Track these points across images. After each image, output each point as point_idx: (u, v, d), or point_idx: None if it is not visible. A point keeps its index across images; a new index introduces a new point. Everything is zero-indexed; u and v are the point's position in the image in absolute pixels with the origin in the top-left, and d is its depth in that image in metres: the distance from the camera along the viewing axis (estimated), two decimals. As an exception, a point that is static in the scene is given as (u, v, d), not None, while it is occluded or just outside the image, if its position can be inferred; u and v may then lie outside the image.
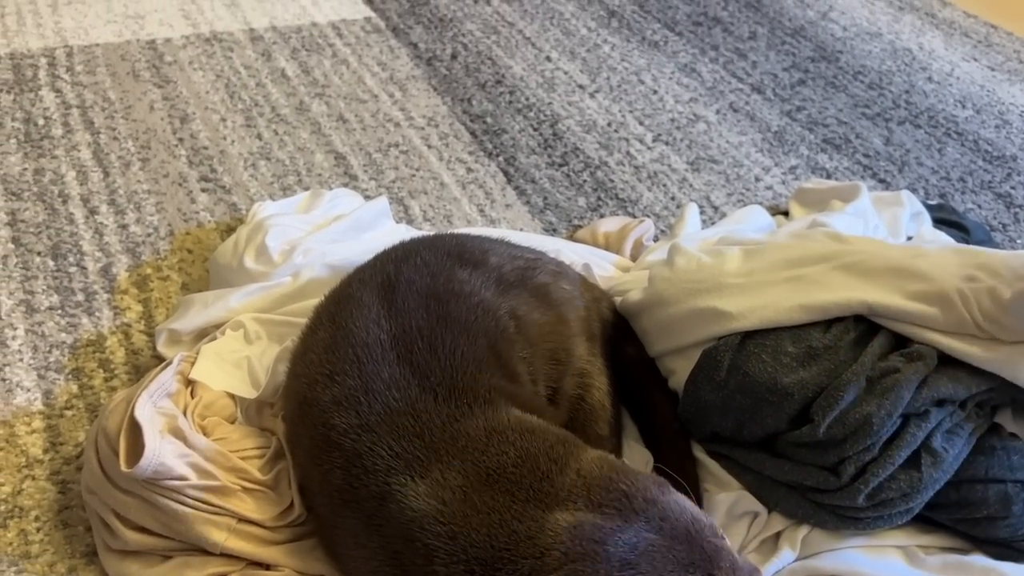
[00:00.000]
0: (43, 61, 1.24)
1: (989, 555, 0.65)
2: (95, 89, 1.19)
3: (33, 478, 0.72)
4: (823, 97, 1.40)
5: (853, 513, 0.63)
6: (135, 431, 0.64)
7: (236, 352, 0.75)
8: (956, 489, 0.63)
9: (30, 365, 0.81)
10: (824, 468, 0.64)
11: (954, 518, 0.65)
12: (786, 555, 0.65)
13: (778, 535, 0.67)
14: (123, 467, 0.62)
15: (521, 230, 1.04)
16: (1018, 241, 1.14)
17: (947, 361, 0.65)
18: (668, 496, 0.54)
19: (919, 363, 0.65)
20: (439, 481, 0.56)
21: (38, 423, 0.76)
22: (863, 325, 0.68)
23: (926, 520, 0.66)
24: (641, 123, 1.28)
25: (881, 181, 1.23)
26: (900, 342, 0.68)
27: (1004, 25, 1.66)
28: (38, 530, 0.69)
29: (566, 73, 1.38)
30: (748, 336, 0.68)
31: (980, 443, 0.64)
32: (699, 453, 0.73)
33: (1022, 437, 0.67)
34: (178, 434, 0.65)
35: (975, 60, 1.56)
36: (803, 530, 0.66)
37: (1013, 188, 1.24)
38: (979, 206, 1.20)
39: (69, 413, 0.77)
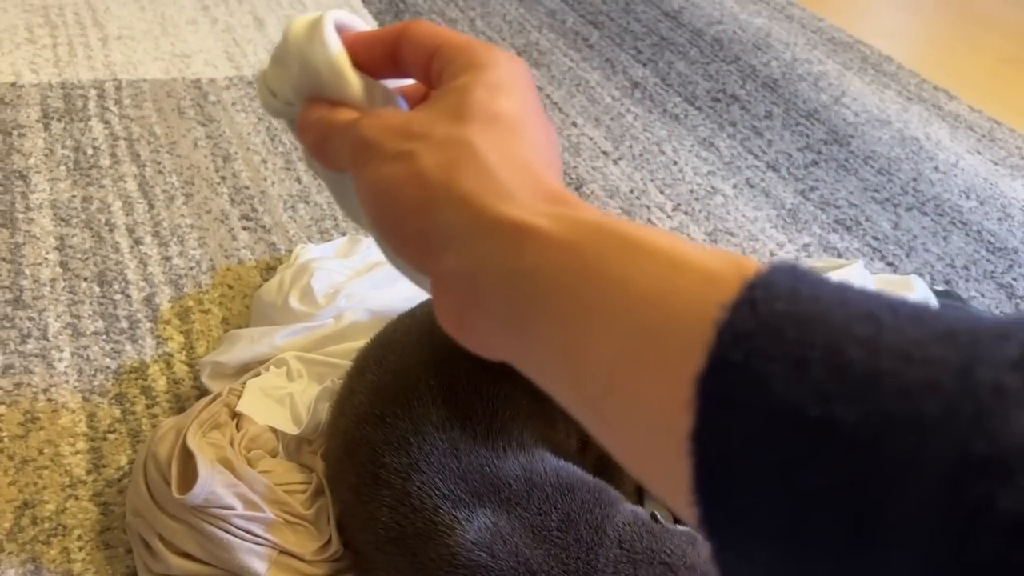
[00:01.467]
0: (93, 92, 1.29)
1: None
2: (142, 123, 1.24)
3: (76, 498, 0.75)
4: (835, 179, 1.46)
5: None
6: (187, 459, 0.67)
7: (279, 388, 0.78)
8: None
9: (75, 388, 0.84)
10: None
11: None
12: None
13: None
14: (175, 493, 0.65)
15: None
16: (1018, 331, 1.19)
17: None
18: (701, 554, 0.58)
19: None
20: (488, 528, 0.59)
21: (82, 444, 0.79)
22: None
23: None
24: (662, 192, 1.34)
25: (889, 264, 1.28)
26: None
27: (1007, 121, 1.74)
28: (80, 549, 0.71)
29: (591, 139, 1.44)
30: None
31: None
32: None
33: None
34: (227, 464, 0.68)
35: (979, 153, 1.63)
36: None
37: (1015, 279, 1.29)
38: (982, 295, 1.25)
39: (112, 436, 0.80)
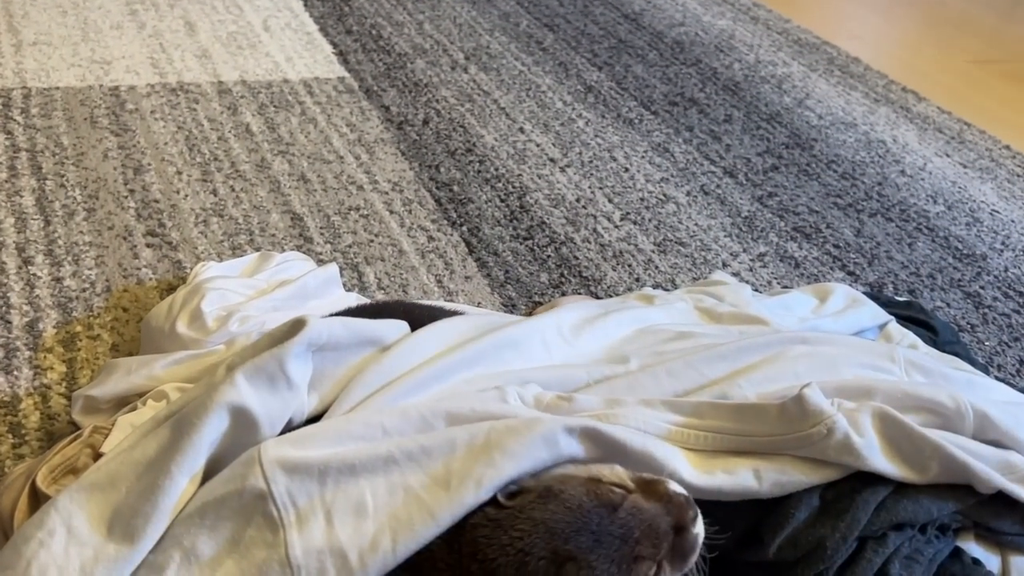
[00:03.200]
0: (-2, 101, 1.21)
1: None
2: (48, 133, 1.15)
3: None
4: (795, 184, 1.39)
5: (805, 642, 0.59)
6: (35, 511, 0.58)
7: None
8: (915, 619, 0.59)
9: (-66, 426, 0.75)
10: (776, 591, 0.60)
11: (913, 650, 0.60)
12: None
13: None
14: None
15: (479, 304, 1.00)
16: (986, 343, 1.12)
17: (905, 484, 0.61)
18: None
19: (877, 484, 0.61)
20: None
21: (-68, 491, 0.70)
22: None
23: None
24: (610, 200, 1.26)
25: (850, 273, 1.21)
26: None
27: (977, 123, 1.67)
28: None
29: (538, 145, 1.37)
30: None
31: (941, 570, 0.60)
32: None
33: (984, 563, 0.62)
34: (75, 517, 0.59)
35: (947, 156, 1.56)
36: (752, 655, 0.61)
37: (982, 288, 1.22)
38: (948, 304, 1.17)
39: (-32, 481, 0.71)
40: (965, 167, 1.54)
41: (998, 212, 1.42)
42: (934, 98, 1.75)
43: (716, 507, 0.61)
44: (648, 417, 0.65)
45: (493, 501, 0.58)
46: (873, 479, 0.61)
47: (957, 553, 0.62)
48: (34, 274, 0.93)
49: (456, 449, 0.59)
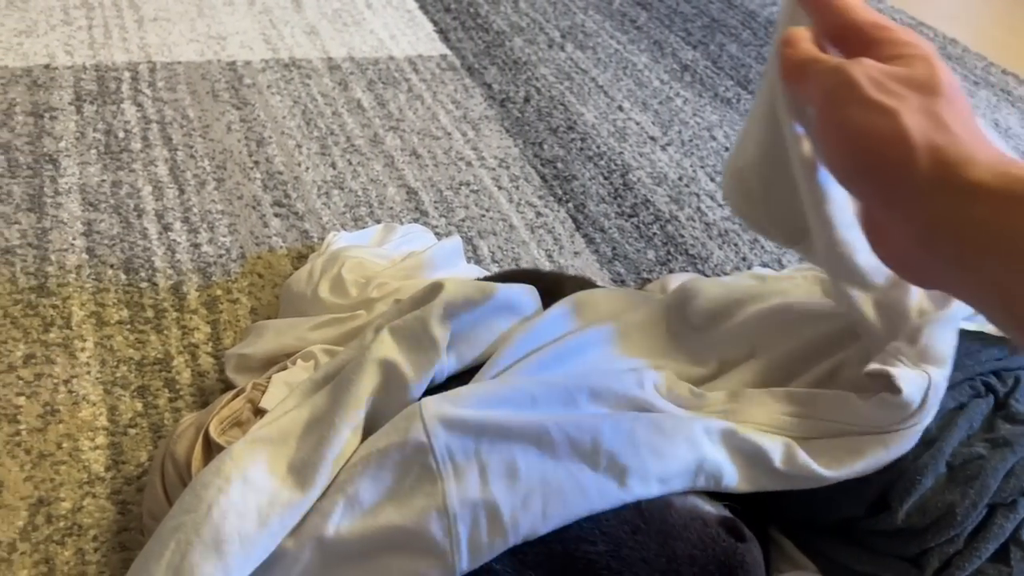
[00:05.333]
0: (127, 75, 1.26)
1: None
2: (175, 106, 1.21)
3: (94, 496, 0.71)
4: (897, 167, 1.38)
5: (939, 610, 0.60)
6: (208, 459, 0.63)
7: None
8: (1051, 591, 0.60)
9: (97, 379, 0.81)
10: (905, 559, 0.62)
11: (1048, 621, 0.61)
12: (864, 648, 0.62)
13: (854, 625, 0.64)
14: (192, 495, 0.61)
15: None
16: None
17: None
18: None
19: (1005, 449, 0.62)
20: (522, 560, 0.55)
21: (102, 439, 0.76)
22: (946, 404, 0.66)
23: (1015, 623, 0.63)
24: (712, 180, 1.27)
25: (956, 257, 1.20)
26: (987, 423, 0.65)
27: (1082, 107, 1.63)
28: (96, 550, 0.68)
29: (638, 124, 1.38)
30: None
31: (1077, 542, 0.61)
32: (773, 531, 0.70)
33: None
34: (247, 465, 0.64)
35: (1052, 141, 1.53)
36: (882, 623, 0.63)
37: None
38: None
39: (132, 431, 0.77)
40: (1070, 152, 1.51)
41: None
42: (1036, 81, 1.71)
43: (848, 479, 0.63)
44: (770, 411, 0.67)
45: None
46: (1000, 443, 0.62)
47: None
48: (174, 240, 0.98)
49: (602, 434, 0.61)
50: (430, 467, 0.59)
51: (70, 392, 0.79)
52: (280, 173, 1.11)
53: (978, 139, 0.43)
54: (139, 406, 0.79)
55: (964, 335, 0.73)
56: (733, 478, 0.62)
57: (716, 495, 0.71)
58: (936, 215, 0.42)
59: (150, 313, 0.88)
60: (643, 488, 0.59)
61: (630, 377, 0.68)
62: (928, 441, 0.63)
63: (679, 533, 0.59)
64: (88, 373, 0.81)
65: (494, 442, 0.60)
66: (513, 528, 0.57)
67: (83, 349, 0.83)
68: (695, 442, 0.62)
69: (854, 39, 0.48)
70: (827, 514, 0.65)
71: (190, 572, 0.57)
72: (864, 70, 0.45)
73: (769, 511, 0.70)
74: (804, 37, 0.50)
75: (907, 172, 0.42)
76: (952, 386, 0.67)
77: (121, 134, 1.13)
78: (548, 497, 0.58)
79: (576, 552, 0.58)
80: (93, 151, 1.10)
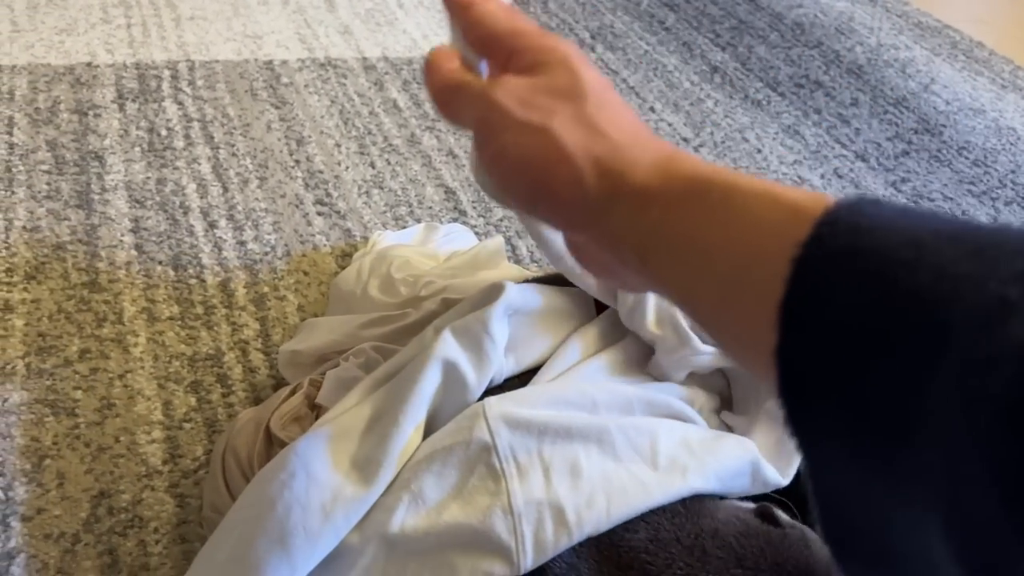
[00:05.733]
0: (167, 73, 1.27)
1: None
2: (215, 104, 1.22)
3: (152, 488, 0.73)
4: (927, 170, 1.39)
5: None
6: (269, 455, 0.64)
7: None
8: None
9: (151, 374, 0.82)
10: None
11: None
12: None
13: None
14: (257, 489, 0.62)
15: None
16: None
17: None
18: (817, 554, 0.55)
19: None
20: (575, 550, 0.56)
21: (158, 433, 0.77)
22: None
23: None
24: (745, 182, 1.28)
25: (989, 261, 1.21)
26: None
27: (1111, 111, 1.63)
28: (157, 542, 0.69)
29: (670, 125, 1.39)
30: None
31: None
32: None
33: None
34: (309, 460, 0.65)
35: (1082, 145, 1.53)
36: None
37: None
38: (1091, 296, 1.17)
39: (188, 426, 0.78)
40: (1100, 157, 1.51)
41: None
42: (1064, 85, 1.71)
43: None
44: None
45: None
46: None
47: None
48: (220, 237, 0.99)
49: (659, 436, 0.62)
50: (494, 466, 0.60)
51: (125, 387, 0.80)
52: (321, 172, 1.12)
53: (638, 138, 0.40)
54: (193, 401, 0.80)
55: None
56: (780, 477, 0.64)
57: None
58: (615, 227, 0.39)
59: (200, 309, 0.90)
60: (703, 483, 0.61)
61: (677, 393, 0.70)
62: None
63: (710, 513, 0.60)
64: (142, 368, 0.83)
65: (556, 442, 0.61)
66: (578, 526, 0.58)
67: (136, 344, 0.85)
68: (746, 446, 0.63)
69: (497, 50, 0.44)
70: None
71: (255, 565, 0.58)
72: (507, 90, 0.42)
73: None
74: (448, 57, 0.46)
75: (577, 190, 0.39)
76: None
77: (164, 132, 1.15)
78: (611, 495, 0.59)
79: (620, 542, 0.59)
80: (137, 148, 1.11)
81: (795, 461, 0.64)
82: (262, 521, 0.60)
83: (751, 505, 0.62)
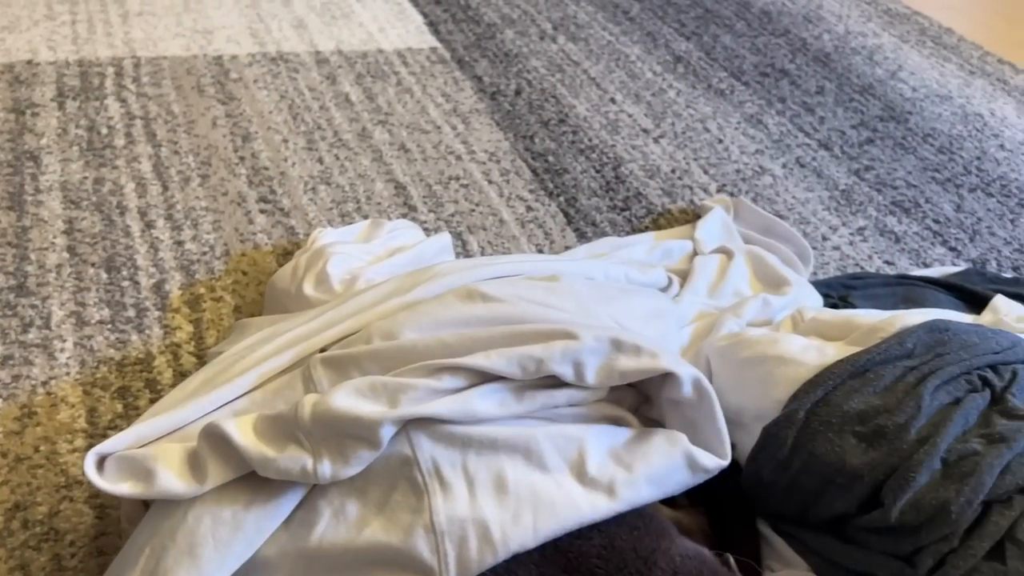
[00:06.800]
0: (110, 70, 1.24)
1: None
2: (159, 101, 1.19)
3: (71, 500, 0.70)
4: (891, 158, 1.37)
5: (934, 609, 0.59)
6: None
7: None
8: (1048, 590, 0.59)
9: (76, 380, 0.79)
10: (899, 558, 0.60)
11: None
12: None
13: (848, 624, 0.63)
14: (168, 499, 0.59)
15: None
16: (1096, 322, 1.09)
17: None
18: None
19: (1001, 445, 0.60)
20: (515, 556, 0.53)
21: (80, 442, 0.74)
22: (938, 398, 0.64)
23: (1012, 622, 0.61)
24: (706, 172, 1.25)
25: (952, 249, 1.19)
26: (984, 418, 0.64)
27: (1080, 96, 1.62)
28: (72, 556, 0.66)
29: (630, 116, 1.36)
30: (812, 413, 0.64)
31: (1073, 538, 0.59)
32: (764, 528, 0.69)
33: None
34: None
35: (1050, 130, 1.52)
36: (876, 622, 0.62)
37: (1091, 266, 1.19)
38: (1055, 282, 1.15)
39: (111, 433, 0.75)
40: (1068, 142, 1.49)
41: (1104, 188, 1.38)
42: (1033, 70, 1.69)
43: (837, 473, 0.61)
44: None
45: None
46: (996, 439, 0.61)
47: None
48: (157, 237, 0.96)
49: (588, 443, 0.59)
50: (416, 481, 0.57)
51: (48, 394, 0.78)
52: (266, 168, 1.10)
53: None
54: (119, 407, 0.77)
55: (962, 328, 0.71)
56: (716, 460, 0.61)
57: (702, 492, 0.70)
58: None
59: (132, 312, 0.87)
60: (634, 494, 0.58)
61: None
62: (922, 438, 0.62)
63: (673, 538, 0.58)
64: (67, 374, 0.80)
65: (481, 454, 0.58)
66: (503, 544, 0.55)
67: (62, 350, 0.82)
68: (674, 439, 0.60)
69: None
70: (819, 511, 0.64)
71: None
72: None
73: (759, 507, 0.69)
74: None
75: None
76: (948, 381, 0.66)
77: (104, 130, 1.12)
78: (539, 511, 0.56)
79: (570, 548, 0.57)
80: (75, 148, 1.08)
81: (726, 439, 0.62)
82: (173, 532, 0.58)
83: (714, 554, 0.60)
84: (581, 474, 0.58)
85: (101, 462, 0.60)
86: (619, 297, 0.73)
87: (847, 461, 0.62)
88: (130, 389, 0.79)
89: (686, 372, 0.61)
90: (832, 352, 0.69)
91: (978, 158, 1.41)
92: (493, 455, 0.58)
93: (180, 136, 1.13)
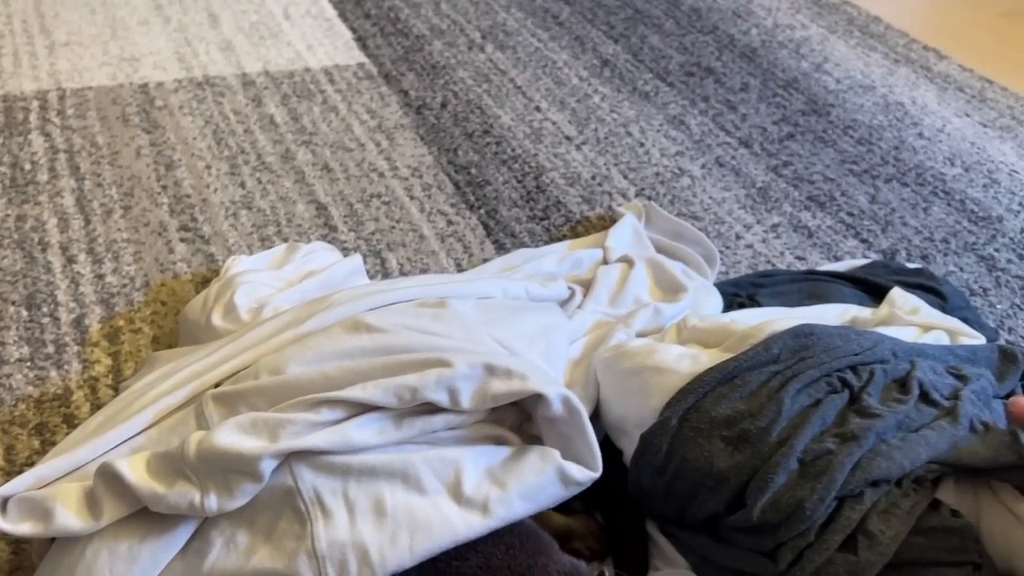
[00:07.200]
0: (35, 104, 1.26)
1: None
2: (84, 133, 1.21)
3: (-13, 537, 0.73)
4: (811, 152, 1.41)
5: (795, 601, 0.63)
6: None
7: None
8: (897, 572, 0.63)
9: (-5, 419, 0.82)
10: (762, 554, 0.64)
11: (899, 604, 0.64)
12: (729, 640, 0.65)
13: (724, 618, 0.67)
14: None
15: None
16: (998, 306, 1.14)
17: (889, 432, 0.65)
18: None
19: (852, 444, 0.64)
20: None
21: (-3, 479, 0.77)
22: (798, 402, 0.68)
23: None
24: (625, 177, 1.29)
25: (864, 241, 1.23)
26: (840, 417, 0.68)
27: (1000, 80, 1.66)
28: (-13, 591, 0.69)
29: (554, 124, 1.39)
30: (684, 420, 0.68)
31: (919, 523, 0.63)
32: (651, 528, 0.73)
33: (963, 513, 0.66)
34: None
35: (967, 116, 1.56)
36: (748, 615, 0.66)
37: (996, 251, 1.23)
38: (961, 268, 1.19)
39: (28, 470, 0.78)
40: (985, 127, 1.54)
41: (1017, 172, 1.42)
42: (957, 55, 1.74)
43: (706, 476, 0.65)
44: None
45: None
46: (848, 438, 0.64)
47: (936, 505, 0.65)
48: (78, 272, 0.99)
49: (464, 465, 0.63)
50: (299, 509, 0.60)
51: (-33, 434, 0.80)
52: (188, 196, 1.12)
53: None
54: (36, 444, 0.80)
55: (827, 332, 0.75)
56: (588, 472, 0.65)
57: (597, 496, 0.73)
58: None
59: (51, 348, 0.90)
60: (507, 511, 0.62)
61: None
62: (782, 440, 0.66)
63: (550, 554, 0.62)
64: (-14, 413, 0.82)
65: (361, 480, 0.61)
66: (381, 565, 0.58)
67: (-18, 389, 0.85)
68: (547, 455, 0.64)
69: None
70: (694, 512, 0.68)
71: None
72: None
73: (644, 509, 0.73)
74: None
75: None
76: (809, 383, 0.70)
77: (28, 166, 1.14)
78: (415, 532, 0.60)
79: (448, 569, 0.60)
80: (-1, 185, 1.10)
81: (596, 452, 0.66)
82: (72, 568, 0.61)
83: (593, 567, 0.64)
84: (457, 494, 0.62)
85: (4, 503, 0.63)
86: (507, 318, 0.77)
87: (715, 464, 0.66)
88: (47, 425, 0.82)
89: (554, 392, 0.64)
90: (706, 359, 0.73)
91: (896, 148, 1.45)
92: (372, 481, 0.61)
93: (104, 168, 1.15)
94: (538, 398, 0.65)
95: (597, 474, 0.65)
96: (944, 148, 1.45)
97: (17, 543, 0.73)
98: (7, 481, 0.76)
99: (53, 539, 0.67)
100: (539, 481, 0.63)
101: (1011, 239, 1.26)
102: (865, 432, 0.64)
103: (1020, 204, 1.34)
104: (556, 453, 0.65)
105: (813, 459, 0.64)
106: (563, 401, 0.65)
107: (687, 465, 0.67)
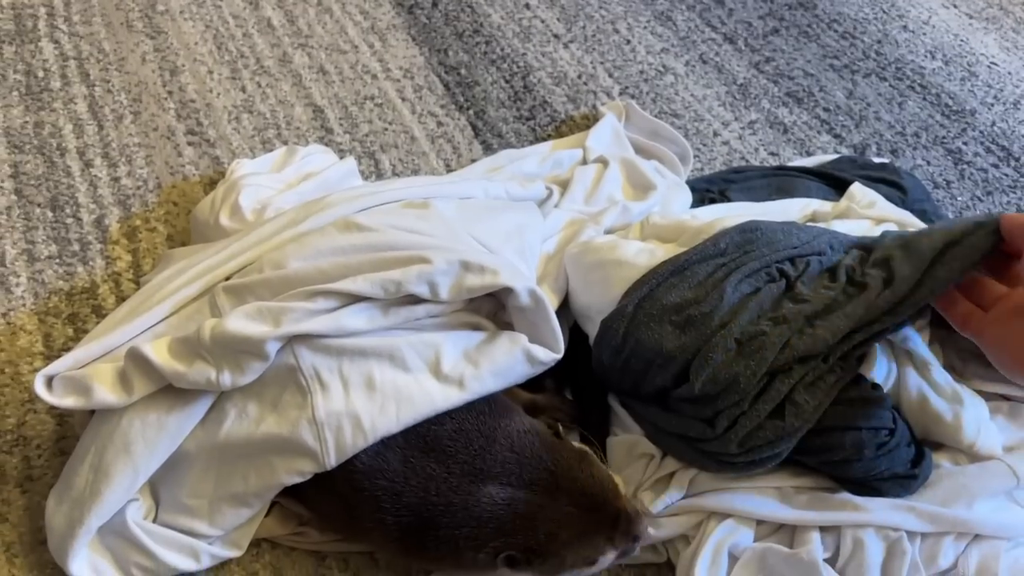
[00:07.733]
0: (42, 11, 1.31)
1: (850, 492, 0.75)
2: (91, 40, 1.27)
3: (35, 411, 0.84)
4: (793, 48, 1.44)
5: (728, 458, 0.73)
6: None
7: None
8: (818, 436, 0.73)
9: (32, 310, 0.92)
10: (702, 420, 0.74)
11: (819, 461, 0.74)
12: (674, 494, 0.76)
13: (671, 475, 0.78)
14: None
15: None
16: (959, 198, 1.21)
17: (817, 315, 0.73)
18: (587, 470, 0.68)
19: (784, 326, 0.73)
20: (384, 441, 0.67)
21: (39, 363, 0.87)
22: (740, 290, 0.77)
23: (798, 464, 0.76)
24: (611, 75, 1.34)
25: (836, 136, 1.28)
26: (775, 303, 0.76)
27: (990, -31, 1.67)
28: (39, 456, 0.80)
29: (543, 22, 1.43)
30: (639, 307, 0.77)
31: (841, 394, 0.73)
32: (612, 401, 0.83)
33: (883, 387, 0.76)
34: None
35: (954, 7, 1.58)
36: (691, 472, 0.77)
37: (965, 143, 1.29)
38: (928, 162, 1.25)
39: (65, 354, 0.88)
40: (971, 17, 1.56)
41: (996, 65, 1.46)
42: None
43: (657, 355, 0.75)
44: None
45: None
46: (780, 321, 0.73)
47: (858, 380, 0.75)
48: (95, 175, 1.07)
49: (444, 347, 0.72)
50: (300, 384, 0.70)
51: (8, 324, 0.90)
52: (193, 101, 1.19)
53: None
54: (71, 332, 0.90)
55: (771, 227, 0.83)
56: (551, 354, 0.75)
57: (567, 375, 0.83)
58: None
59: (76, 247, 0.99)
60: (480, 385, 0.72)
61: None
62: (723, 323, 0.74)
63: (513, 417, 0.72)
64: (23, 305, 0.92)
65: (354, 360, 0.71)
66: (372, 431, 0.69)
67: (17, 284, 0.94)
68: (515, 339, 0.73)
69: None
70: (645, 387, 0.77)
71: (106, 469, 0.70)
72: None
73: (606, 385, 0.83)
74: None
75: None
76: (751, 274, 0.78)
77: (40, 73, 1.20)
78: (401, 403, 0.70)
79: (427, 432, 0.70)
80: (15, 93, 1.17)
81: (559, 337, 0.75)
82: (111, 434, 0.72)
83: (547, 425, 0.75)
84: (437, 372, 0.72)
85: (49, 382, 0.73)
86: (485, 217, 0.85)
87: (664, 345, 0.75)
88: (79, 315, 0.92)
89: (522, 285, 0.73)
90: (661, 254, 0.81)
91: (879, 41, 1.48)
92: (363, 360, 0.71)
93: (112, 74, 1.21)
94: (508, 291, 0.74)
95: (559, 356, 0.75)
96: (927, 41, 1.48)
97: (61, 416, 0.84)
98: (48, 364, 0.87)
99: (92, 412, 0.77)
100: (508, 361, 0.73)
101: (981, 132, 1.31)
102: (796, 316, 0.73)
103: (995, 97, 1.38)
104: (524, 337, 0.74)
105: (748, 339, 0.73)
106: (530, 293, 0.74)
107: (641, 346, 0.76)
